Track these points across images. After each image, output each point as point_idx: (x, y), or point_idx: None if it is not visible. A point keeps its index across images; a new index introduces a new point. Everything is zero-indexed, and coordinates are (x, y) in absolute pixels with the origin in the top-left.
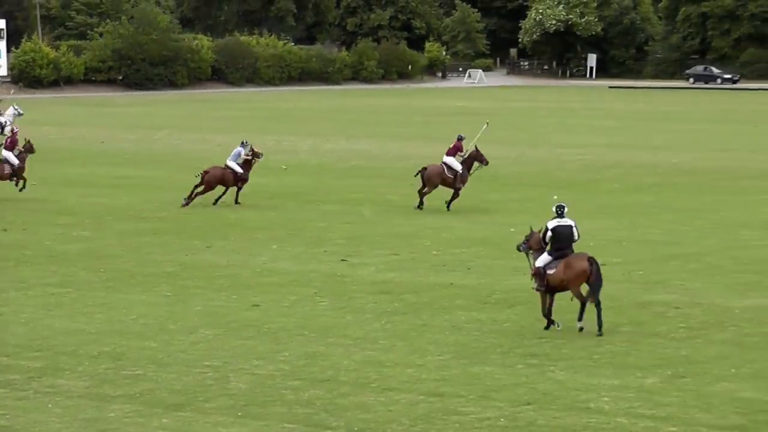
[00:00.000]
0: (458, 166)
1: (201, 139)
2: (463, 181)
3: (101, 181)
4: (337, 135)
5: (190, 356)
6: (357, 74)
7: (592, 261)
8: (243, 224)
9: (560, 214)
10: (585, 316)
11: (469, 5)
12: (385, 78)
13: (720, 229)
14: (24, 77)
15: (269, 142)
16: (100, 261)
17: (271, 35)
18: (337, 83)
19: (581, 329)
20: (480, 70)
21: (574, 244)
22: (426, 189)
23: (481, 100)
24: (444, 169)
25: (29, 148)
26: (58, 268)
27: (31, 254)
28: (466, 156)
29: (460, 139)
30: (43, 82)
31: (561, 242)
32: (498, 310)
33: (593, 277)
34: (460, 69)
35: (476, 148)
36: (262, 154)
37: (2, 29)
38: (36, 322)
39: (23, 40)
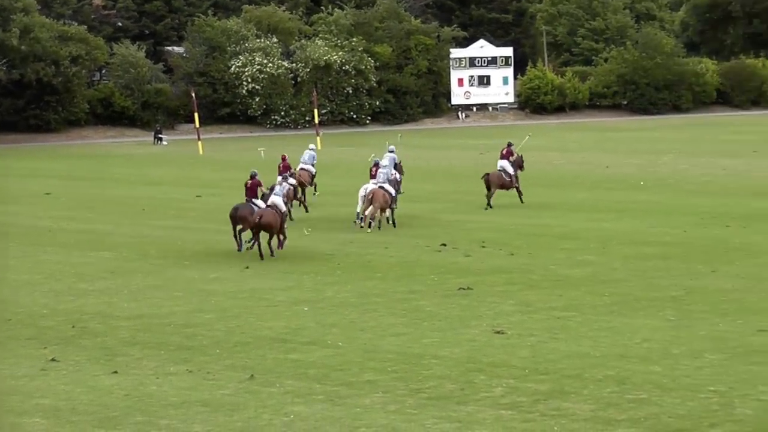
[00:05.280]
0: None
1: (706, 163)
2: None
3: (606, 206)
4: None
5: (694, 381)
6: None
7: None
8: (748, 249)
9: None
10: None
11: None
12: None
13: None
14: (530, 104)
15: None
16: (605, 285)
17: None
18: None
19: None
20: None
21: None
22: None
23: None
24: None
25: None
26: (564, 292)
27: (537, 278)
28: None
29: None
30: (548, 108)
31: None
32: None
33: None
34: None
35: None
36: None
37: (509, 57)
38: (541, 345)
39: (528, 68)
